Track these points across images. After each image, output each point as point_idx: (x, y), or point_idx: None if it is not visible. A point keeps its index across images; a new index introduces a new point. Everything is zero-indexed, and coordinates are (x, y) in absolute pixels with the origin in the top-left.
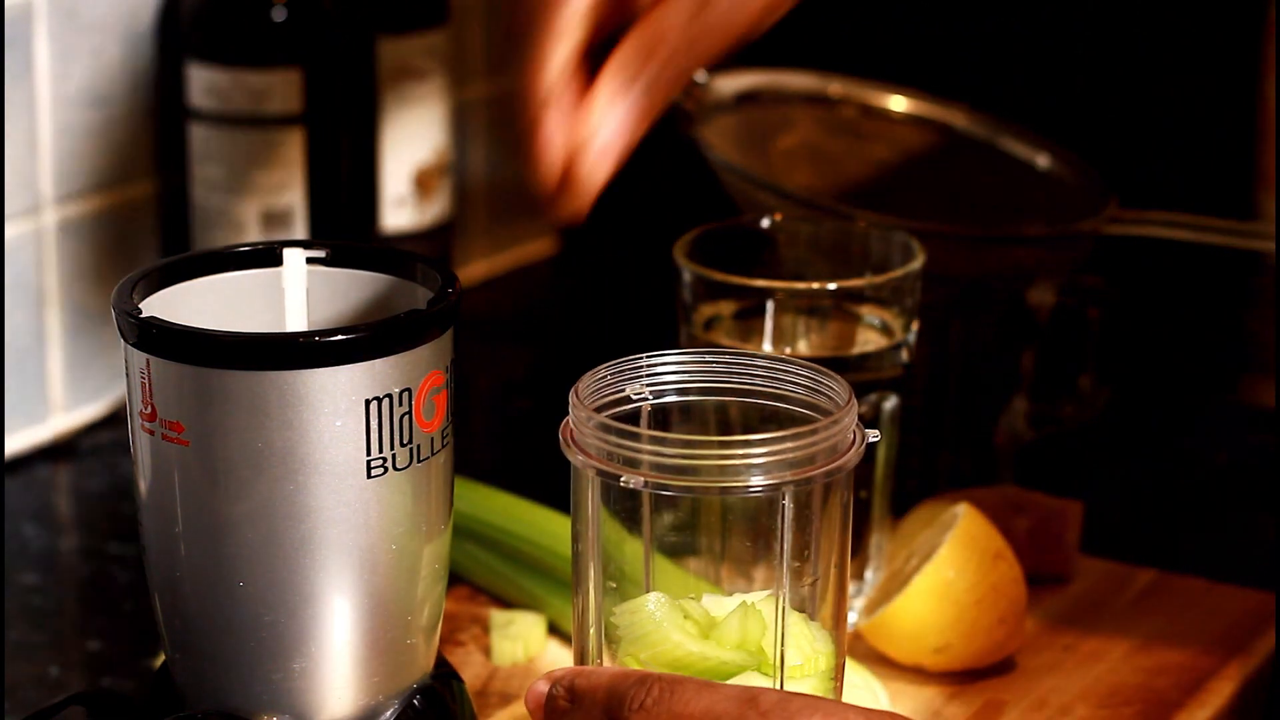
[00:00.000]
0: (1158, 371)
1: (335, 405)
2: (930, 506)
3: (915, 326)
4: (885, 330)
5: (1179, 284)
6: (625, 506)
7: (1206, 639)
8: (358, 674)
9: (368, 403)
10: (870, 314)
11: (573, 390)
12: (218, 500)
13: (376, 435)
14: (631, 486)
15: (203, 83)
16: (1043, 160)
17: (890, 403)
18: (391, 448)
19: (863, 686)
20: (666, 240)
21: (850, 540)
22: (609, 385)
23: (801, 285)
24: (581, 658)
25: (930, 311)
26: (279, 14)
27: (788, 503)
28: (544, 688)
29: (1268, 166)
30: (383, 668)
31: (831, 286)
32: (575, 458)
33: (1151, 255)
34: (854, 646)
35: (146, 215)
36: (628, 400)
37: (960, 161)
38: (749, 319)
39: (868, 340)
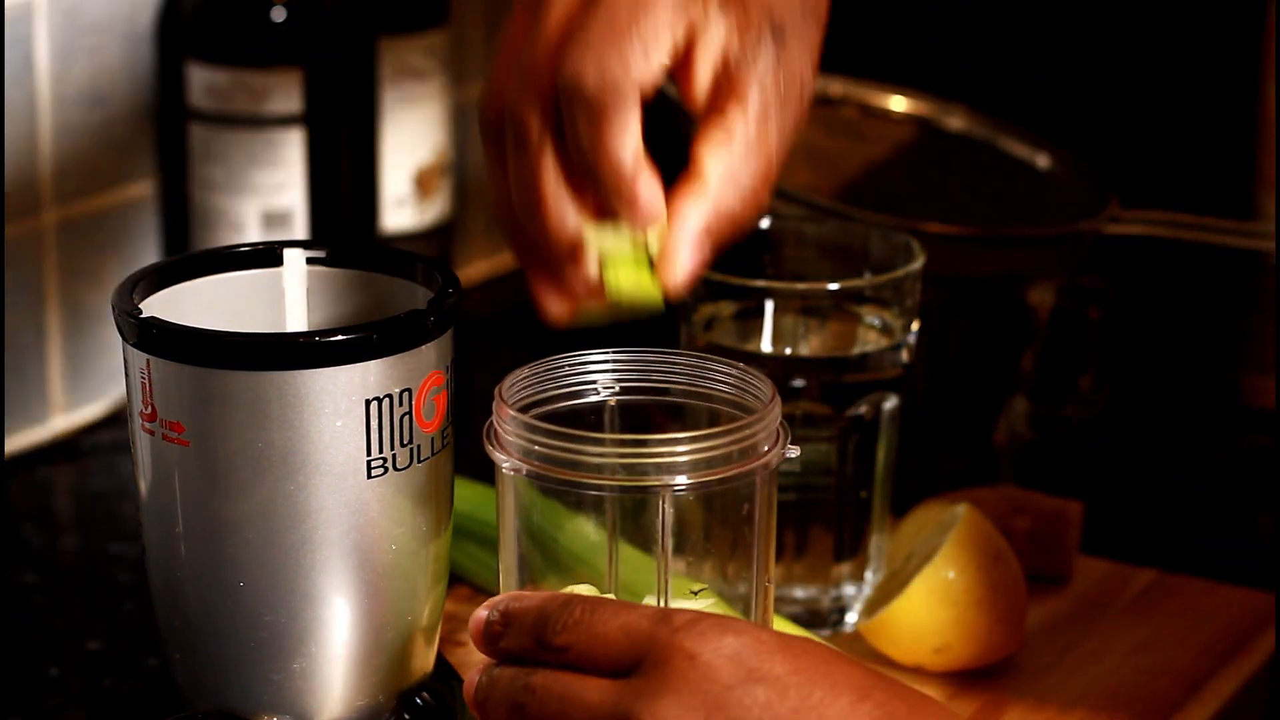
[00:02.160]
0: (1158, 371)
1: (335, 405)
2: (930, 506)
3: (915, 326)
4: (885, 330)
5: (1179, 284)
6: (576, 502)
7: (1206, 639)
8: (358, 674)
9: (368, 403)
10: (870, 314)
11: (496, 390)
12: (218, 500)
13: (376, 435)
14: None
15: (203, 83)
16: (1043, 160)
17: (890, 403)
18: (391, 448)
19: None
20: None
21: (774, 545)
22: (534, 384)
23: (801, 285)
24: None
25: (930, 311)
26: (279, 14)
27: (667, 507)
28: (483, 614)
29: (1268, 166)
30: (383, 668)
31: (831, 286)
32: (496, 456)
33: (1151, 255)
34: (854, 646)
35: (146, 215)
36: (556, 400)
37: (960, 161)
38: (749, 319)
39: (868, 340)
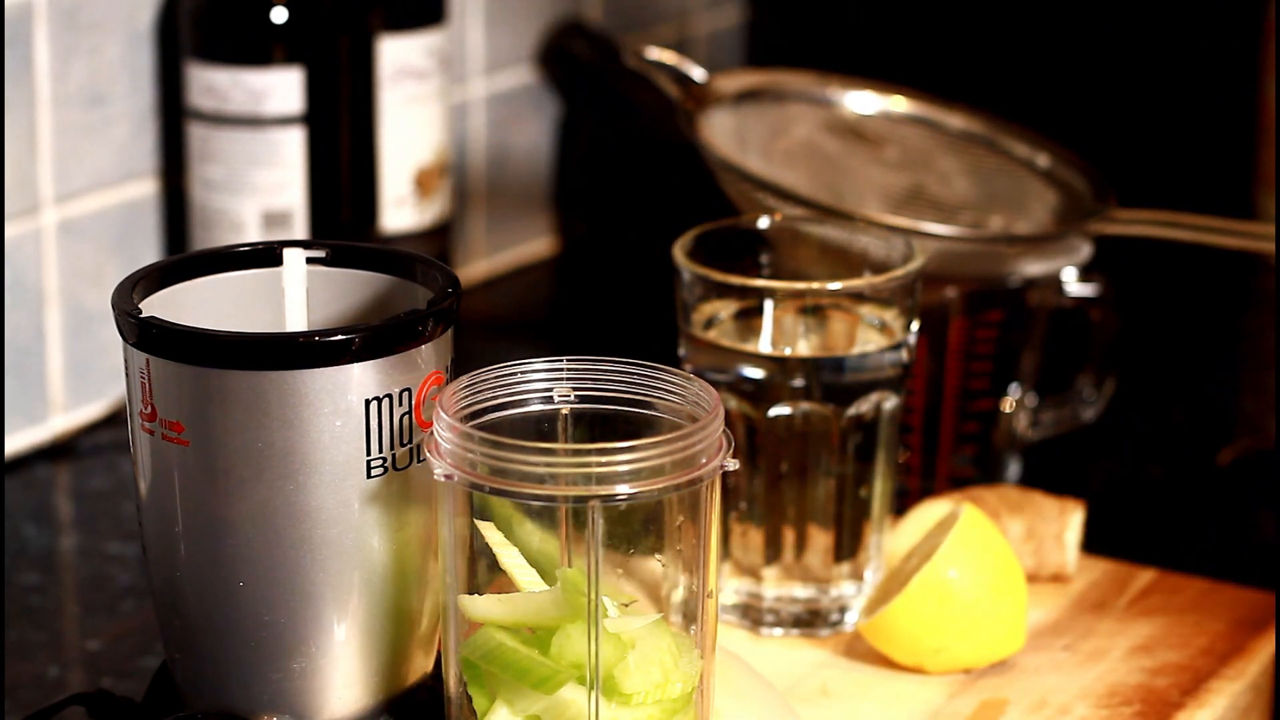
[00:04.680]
0: (1157, 371)
1: (335, 405)
2: (930, 506)
3: (915, 326)
4: (885, 330)
5: (1179, 284)
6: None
7: (1206, 639)
8: (357, 674)
9: (368, 403)
10: (870, 314)
11: (437, 398)
12: (218, 500)
13: (376, 435)
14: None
15: (202, 83)
16: (1043, 160)
17: (890, 403)
18: (391, 448)
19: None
20: (666, 240)
21: (717, 557)
22: (477, 393)
23: (801, 285)
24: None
25: (930, 311)
26: (279, 14)
27: (597, 518)
28: None
29: (1268, 166)
30: (382, 668)
31: (831, 286)
32: (432, 463)
33: (1151, 255)
34: (854, 646)
35: (146, 215)
36: (499, 409)
37: (960, 161)
38: (749, 319)
39: (868, 340)
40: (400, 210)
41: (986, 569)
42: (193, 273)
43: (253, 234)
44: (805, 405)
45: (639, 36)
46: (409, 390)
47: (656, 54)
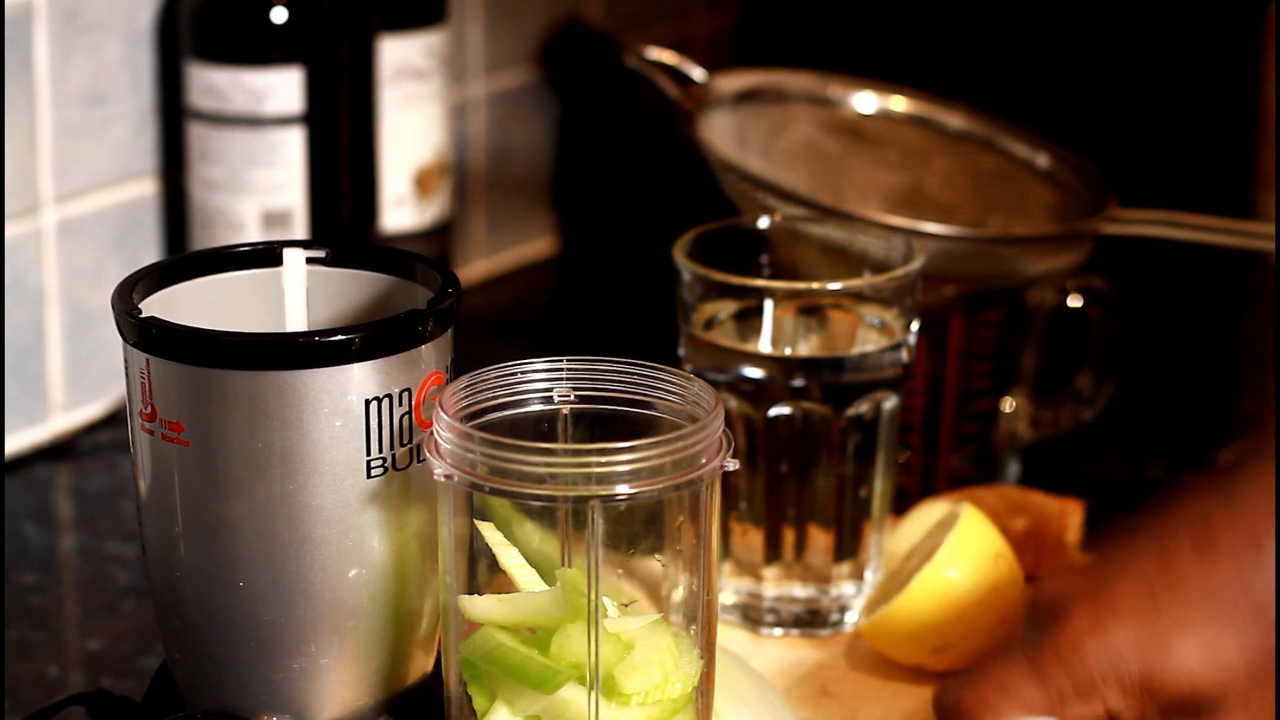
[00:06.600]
0: (1157, 371)
1: (335, 405)
2: (930, 506)
3: (915, 326)
4: (885, 330)
5: (1179, 284)
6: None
7: None
8: (357, 674)
9: (368, 403)
10: (870, 314)
11: (436, 398)
12: (218, 500)
13: (376, 435)
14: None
15: (202, 82)
16: (1043, 160)
17: (890, 403)
18: (391, 448)
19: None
20: (666, 240)
21: (717, 557)
22: (478, 393)
23: (801, 285)
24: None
25: (930, 311)
26: (279, 14)
27: (597, 518)
28: None
29: (1268, 166)
30: (382, 668)
31: (832, 286)
32: (432, 463)
33: (1151, 255)
34: (854, 646)
35: (146, 215)
36: (499, 409)
37: (960, 161)
38: (749, 319)
39: (868, 340)
40: (400, 210)
41: (987, 569)
42: (193, 273)
43: (253, 234)
44: (805, 405)
45: (639, 36)
46: (409, 390)
47: (656, 54)
